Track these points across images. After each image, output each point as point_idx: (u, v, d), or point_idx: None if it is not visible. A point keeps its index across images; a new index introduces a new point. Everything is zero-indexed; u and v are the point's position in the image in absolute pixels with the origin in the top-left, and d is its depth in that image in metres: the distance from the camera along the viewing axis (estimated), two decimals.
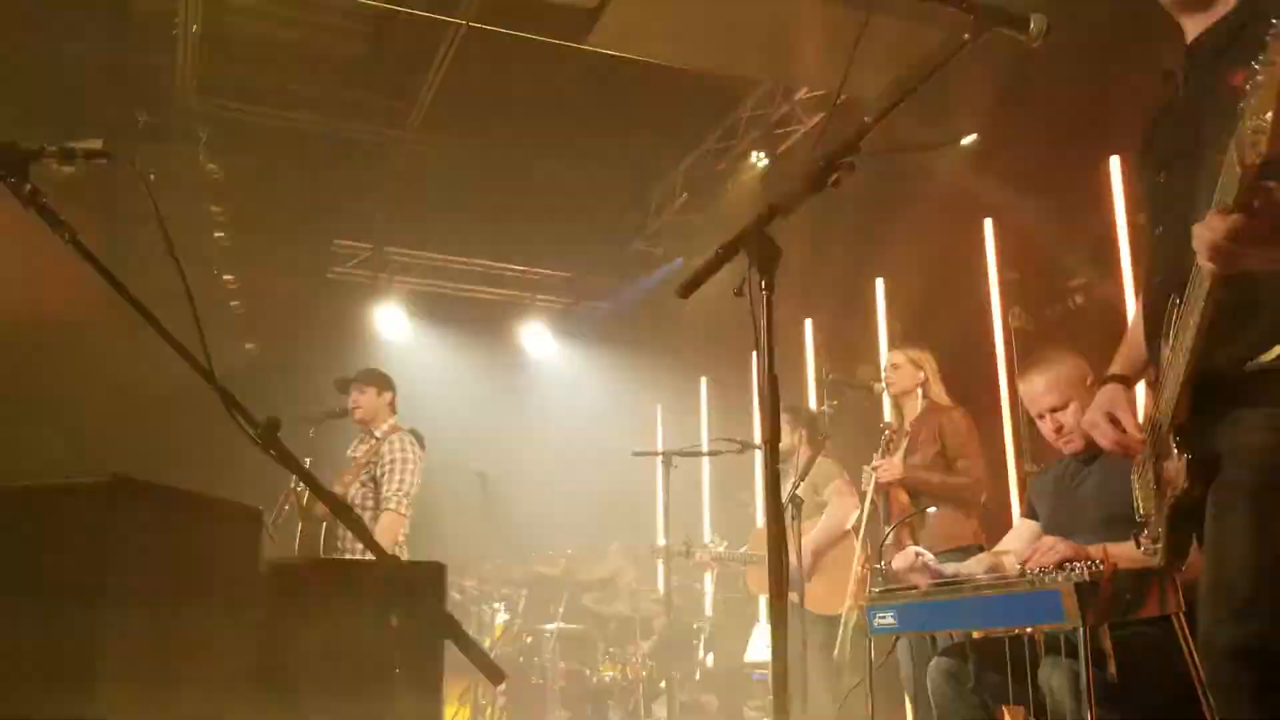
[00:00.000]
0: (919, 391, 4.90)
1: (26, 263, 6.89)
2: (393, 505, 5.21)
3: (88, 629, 1.67)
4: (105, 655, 1.67)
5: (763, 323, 1.96)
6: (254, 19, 7.18)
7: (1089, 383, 3.38)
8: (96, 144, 2.03)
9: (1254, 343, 1.92)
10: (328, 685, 2.01)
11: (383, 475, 5.30)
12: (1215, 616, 1.93)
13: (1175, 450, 2.01)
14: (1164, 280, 2.08)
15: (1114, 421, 2.24)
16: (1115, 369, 2.38)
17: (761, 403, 2.00)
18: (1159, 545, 2.18)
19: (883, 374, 5.19)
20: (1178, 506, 2.05)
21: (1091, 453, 3.36)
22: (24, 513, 1.78)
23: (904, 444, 4.85)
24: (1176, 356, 1.97)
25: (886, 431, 4.90)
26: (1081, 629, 2.69)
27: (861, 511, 4.84)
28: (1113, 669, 2.79)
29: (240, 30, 7.28)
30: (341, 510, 1.90)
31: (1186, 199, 1.97)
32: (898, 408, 5.04)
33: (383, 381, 5.62)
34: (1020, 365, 4.28)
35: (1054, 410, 3.41)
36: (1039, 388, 3.45)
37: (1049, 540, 3.14)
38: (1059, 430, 3.42)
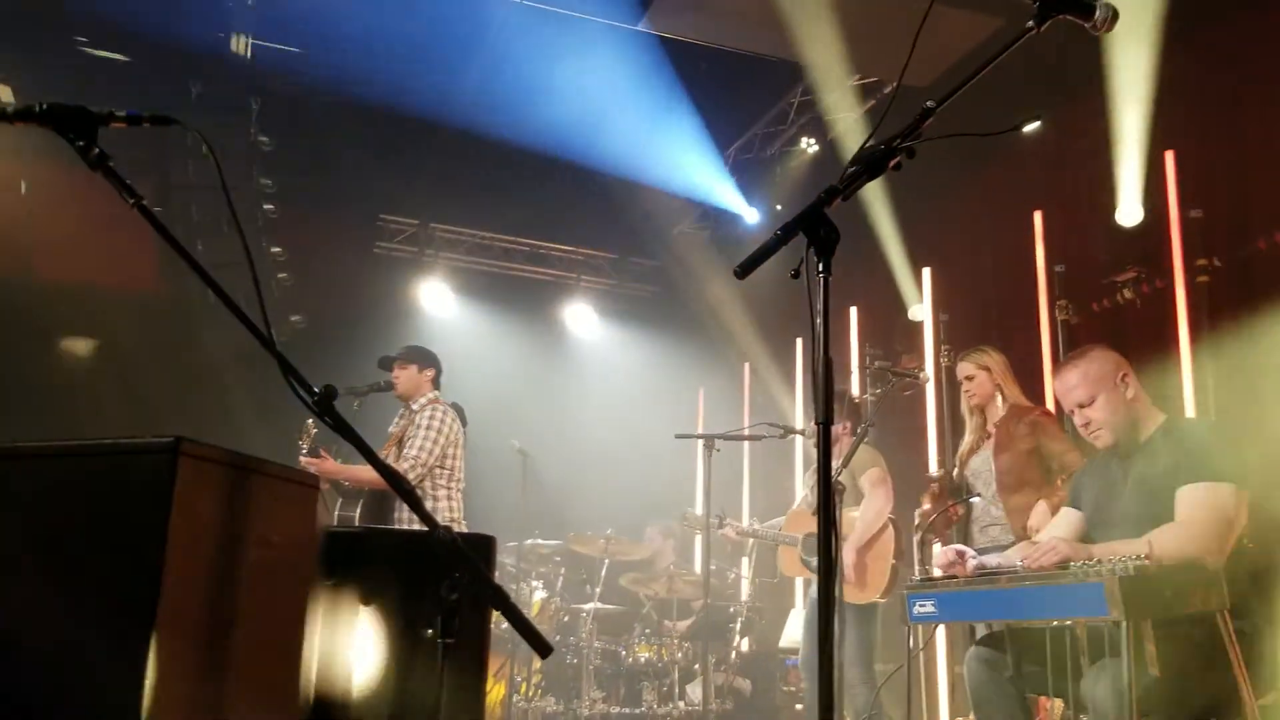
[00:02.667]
0: (998, 396, 4.87)
1: (84, 229, 7.08)
2: (404, 466, 5.25)
3: (147, 590, 1.71)
4: (163, 615, 1.70)
5: (819, 306, 1.96)
6: None
7: (1121, 378, 3.35)
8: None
9: None
10: (378, 652, 2.05)
11: (408, 441, 5.38)
12: None
13: None
14: None
15: None
16: None
17: (815, 385, 2.00)
18: None
19: (930, 365, 5.16)
20: None
21: (1129, 447, 3.34)
22: (89, 471, 1.82)
23: (988, 448, 4.83)
24: None
25: (930, 485, 4.89)
26: (1125, 623, 2.67)
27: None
28: (1155, 666, 2.77)
29: (294, 5, 7.34)
30: (395, 480, 1.93)
31: None
32: (979, 414, 4.98)
33: (424, 358, 5.69)
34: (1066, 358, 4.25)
35: (1082, 406, 3.39)
36: (1070, 382, 3.43)
37: (1050, 540, 3.14)
38: (1086, 425, 3.40)
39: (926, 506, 4.80)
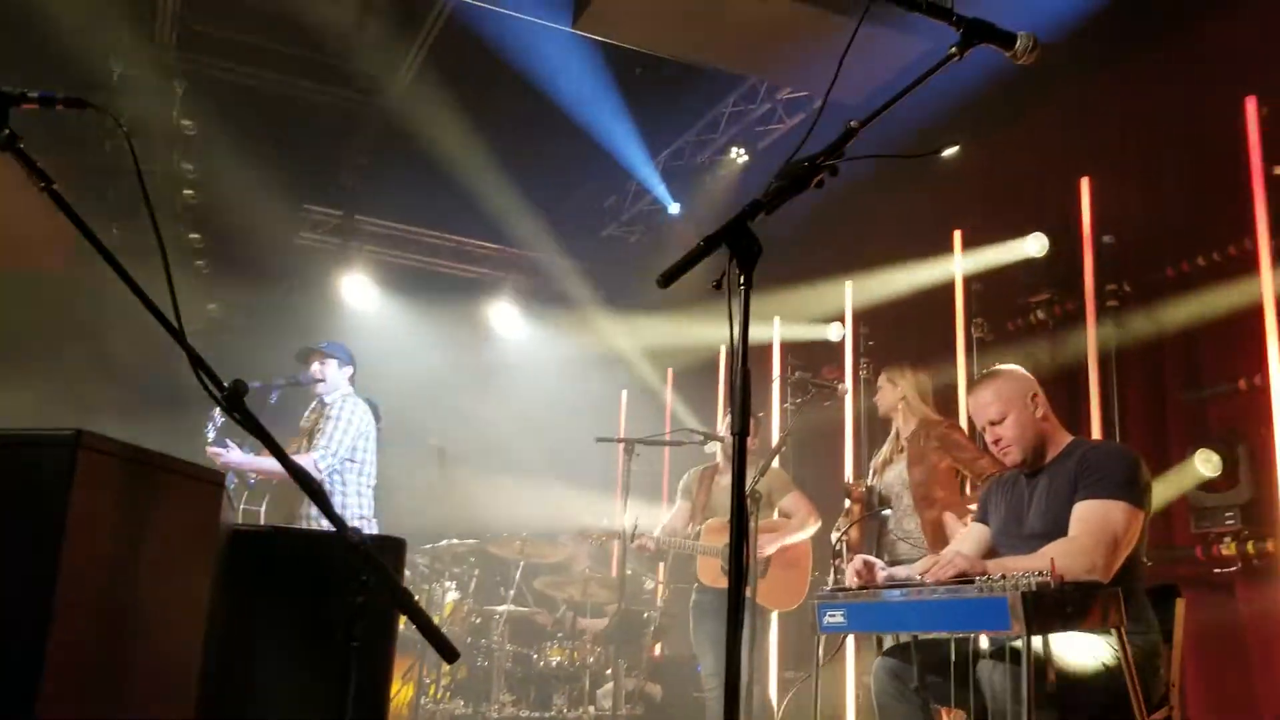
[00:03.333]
0: (902, 409, 4.98)
1: None
2: (314, 456, 5.15)
3: (43, 585, 1.65)
4: (59, 610, 1.66)
5: (739, 317, 1.98)
6: None
7: (1031, 397, 3.44)
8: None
9: None
10: (281, 653, 2.01)
11: (318, 433, 5.28)
12: None
13: None
14: None
15: None
16: None
17: (732, 397, 2.02)
18: None
19: (849, 376, 5.25)
20: None
21: (1036, 465, 3.43)
22: None
23: (901, 461, 4.93)
24: None
25: (851, 493, 4.97)
26: (1025, 637, 2.74)
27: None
28: (1052, 677, 2.85)
29: None
30: (303, 479, 1.90)
31: None
32: (892, 426, 5.11)
33: (345, 355, 5.61)
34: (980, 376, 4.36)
35: (993, 423, 3.47)
36: (983, 399, 3.52)
37: (948, 555, 3.21)
38: (997, 442, 3.49)
39: (845, 518, 4.88)
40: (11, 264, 7.53)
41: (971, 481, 4.80)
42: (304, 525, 5.12)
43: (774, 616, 5.43)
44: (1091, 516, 3.13)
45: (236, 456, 5.12)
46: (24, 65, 6.21)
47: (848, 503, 4.95)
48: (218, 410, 4.94)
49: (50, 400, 7.09)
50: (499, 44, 7.15)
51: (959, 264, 6.19)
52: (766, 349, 7.78)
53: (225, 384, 1.83)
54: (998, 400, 3.48)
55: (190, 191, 7.44)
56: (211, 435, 5.15)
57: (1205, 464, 4.57)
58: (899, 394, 5.00)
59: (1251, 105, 4.50)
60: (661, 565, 7.73)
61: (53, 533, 1.67)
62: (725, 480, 5.62)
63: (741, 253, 2.02)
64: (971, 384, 3.80)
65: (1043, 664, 2.83)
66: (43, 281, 7.66)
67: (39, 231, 7.09)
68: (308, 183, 9.13)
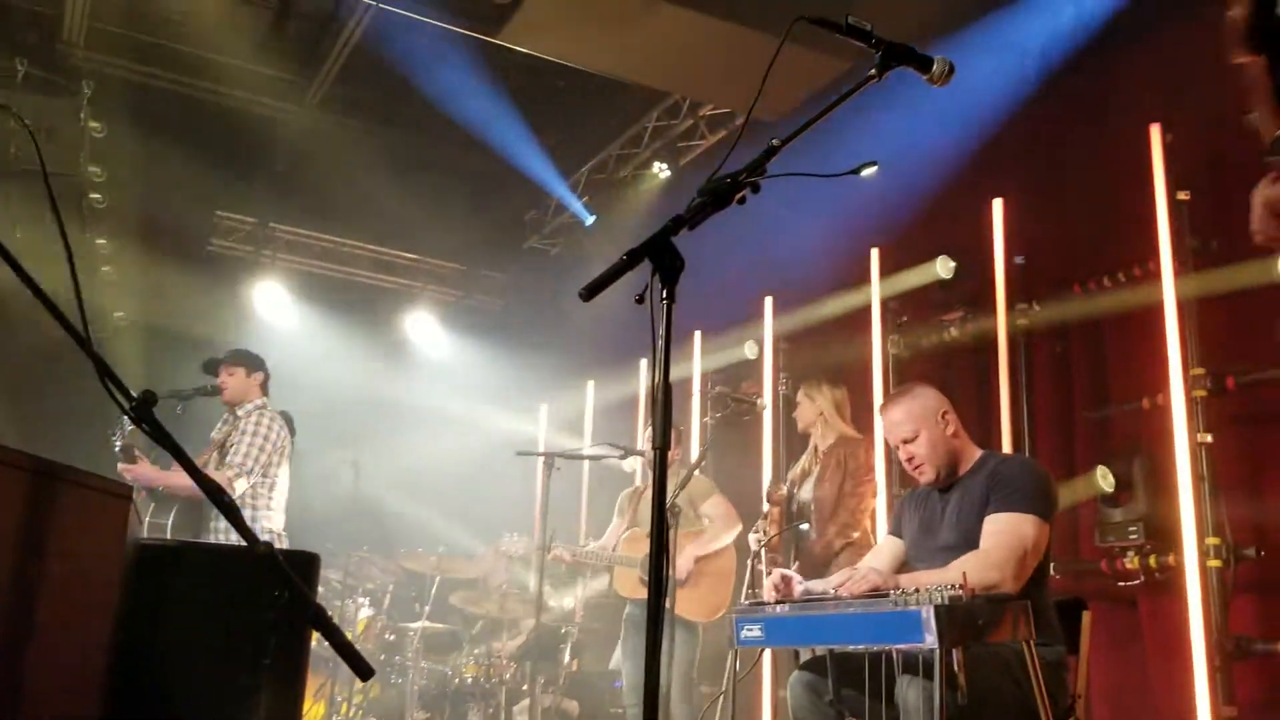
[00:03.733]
0: (820, 424, 5.06)
1: None
2: (229, 474, 5.05)
3: None
4: None
5: (661, 331, 1.98)
6: None
7: (942, 415, 3.52)
8: None
9: None
10: (191, 671, 1.94)
11: (230, 447, 5.18)
12: None
13: None
14: None
15: None
16: None
17: (654, 411, 2.02)
18: None
19: (768, 391, 5.32)
20: None
21: (949, 481, 3.51)
22: None
23: (814, 475, 5.01)
24: None
25: (771, 497, 5.04)
26: (938, 650, 2.79)
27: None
28: (963, 688, 2.90)
29: None
30: (215, 494, 1.84)
31: None
32: (811, 439, 5.18)
33: (253, 362, 5.49)
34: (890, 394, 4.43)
35: (906, 441, 3.54)
36: (895, 418, 3.59)
37: (861, 569, 3.27)
38: (910, 460, 3.56)
39: (765, 530, 4.92)
40: None
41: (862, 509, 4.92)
42: (212, 539, 5.00)
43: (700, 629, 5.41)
44: (1002, 529, 3.21)
45: (147, 471, 4.98)
46: None
47: (766, 505, 5.01)
48: (125, 420, 4.80)
49: None
50: (421, 53, 7.10)
51: (875, 282, 6.29)
52: (687, 364, 7.81)
53: (134, 394, 1.77)
54: (909, 419, 3.55)
55: (98, 195, 7.22)
56: (119, 445, 4.99)
57: (1104, 479, 4.71)
58: (817, 409, 5.09)
59: (1156, 132, 4.66)
60: (580, 580, 7.70)
61: None
62: (651, 495, 5.63)
63: (664, 267, 2.03)
64: (881, 404, 3.87)
65: (955, 677, 2.88)
66: None
67: None
68: (221, 189, 8.93)
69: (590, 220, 8.95)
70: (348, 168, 8.35)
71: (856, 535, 4.92)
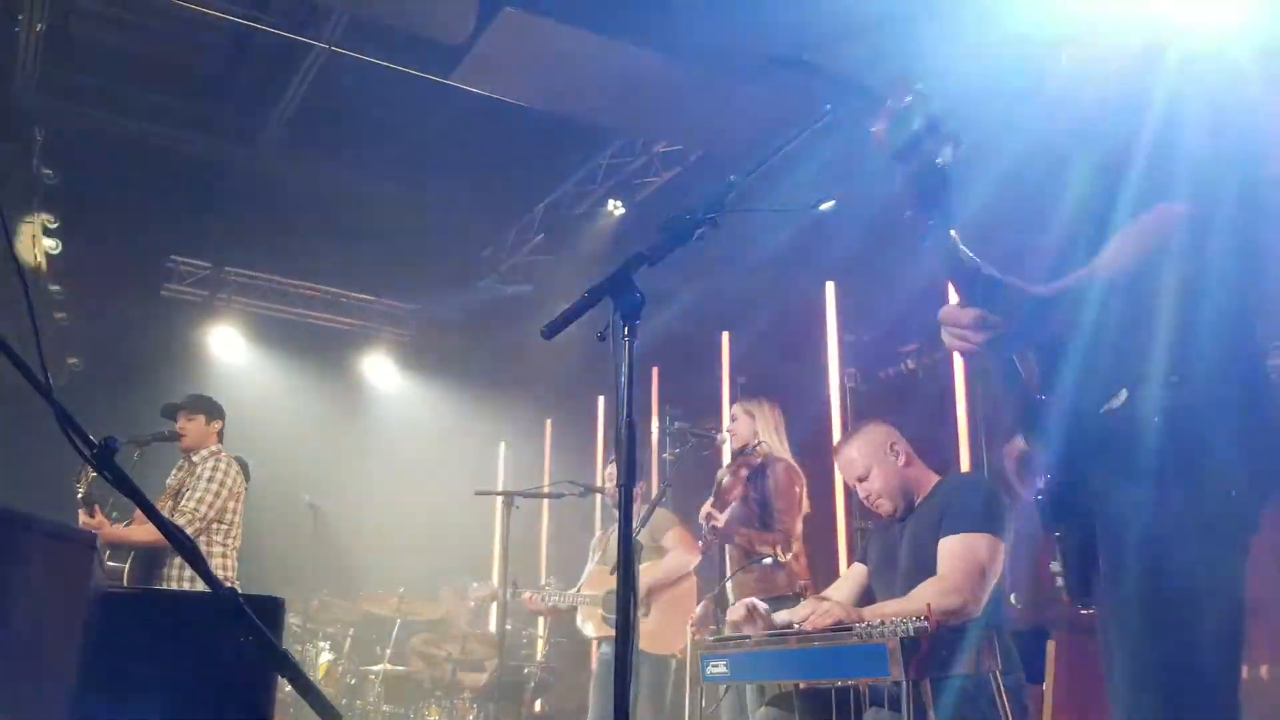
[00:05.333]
0: (755, 441, 5.00)
1: None
2: (181, 521, 5.01)
3: None
4: None
5: (624, 368, 2.00)
6: (104, 25, 6.90)
7: (890, 446, 3.57)
8: None
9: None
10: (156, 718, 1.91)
11: (186, 492, 5.17)
12: None
13: None
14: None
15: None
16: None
17: (618, 447, 2.03)
18: None
19: (725, 425, 5.30)
20: None
21: (907, 512, 3.55)
22: None
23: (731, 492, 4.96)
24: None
25: (721, 481, 4.97)
26: (905, 682, 2.80)
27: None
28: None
29: (88, 34, 6.98)
30: (180, 541, 1.82)
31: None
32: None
33: (212, 409, 5.49)
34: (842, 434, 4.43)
35: (861, 480, 3.59)
36: (848, 457, 3.64)
37: (825, 604, 3.29)
38: (868, 498, 3.61)
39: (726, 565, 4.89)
40: None
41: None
42: (167, 585, 4.95)
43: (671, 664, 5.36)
44: (956, 553, 3.24)
45: (107, 530, 4.91)
46: None
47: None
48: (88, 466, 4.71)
49: None
50: (373, 94, 7.11)
51: (831, 315, 6.37)
52: (644, 399, 7.83)
53: (94, 440, 1.75)
54: (861, 457, 3.60)
55: (52, 242, 7.13)
56: (80, 494, 4.93)
57: None
58: (754, 427, 5.03)
59: None
60: (541, 620, 7.64)
61: None
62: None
63: (625, 304, 2.05)
64: (835, 445, 3.91)
65: (923, 710, 2.90)
66: None
67: None
68: (174, 233, 8.86)
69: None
70: (302, 209, 8.32)
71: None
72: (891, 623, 2.86)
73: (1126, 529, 1.92)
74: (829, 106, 2.25)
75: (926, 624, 2.78)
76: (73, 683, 1.90)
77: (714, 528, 4.65)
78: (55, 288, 7.43)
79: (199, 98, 7.61)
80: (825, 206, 2.56)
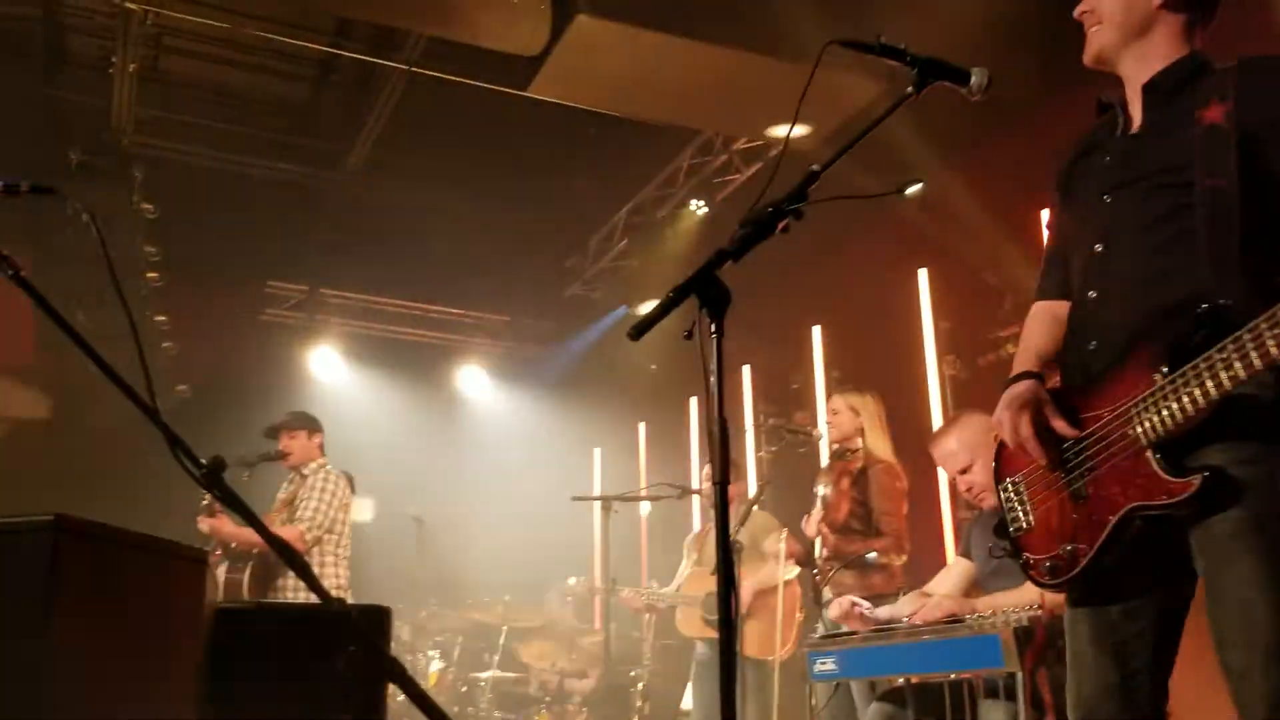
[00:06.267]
0: (859, 439, 4.92)
1: None
2: (299, 529, 5.22)
3: (31, 673, 1.61)
4: (49, 700, 1.61)
5: (712, 366, 1.98)
6: (193, 60, 7.14)
7: (995, 438, 3.47)
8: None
9: None
10: None
11: (300, 504, 5.35)
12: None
13: (1159, 468, 1.93)
14: (1105, 295, 2.13)
15: (1009, 419, 2.16)
16: (1027, 366, 2.27)
17: (711, 446, 2.01)
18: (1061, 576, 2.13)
19: (820, 422, 5.24)
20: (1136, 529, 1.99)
21: None
22: None
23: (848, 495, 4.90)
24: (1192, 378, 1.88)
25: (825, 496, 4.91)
26: (1020, 673, 2.73)
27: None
28: (1051, 716, 2.83)
29: (178, 71, 7.24)
30: (287, 552, 1.87)
31: (1139, 219, 2.10)
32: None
33: (311, 423, 5.68)
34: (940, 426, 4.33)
35: (963, 471, 3.51)
36: (948, 448, 3.56)
37: (935, 598, 3.22)
38: (969, 490, 3.52)
39: (823, 555, 4.84)
40: None
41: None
42: (282, 597, 5.13)
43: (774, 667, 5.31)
44: None
45: (228, 528, 5.14)
46: None
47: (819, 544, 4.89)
48: None
49: (33, 486, 7.03)
50: (453, 111, 7.22)
51: (926, 302, 6.25)
52: (737, 397, 7.79)
53: (203, 462, 1.81)
54: (963, 448, 3.52)
55: (155, 274, 7.42)
56: (205, 501, 5.15)
57: None
58: (858, 423, 4.94)
59: None
60: (645, 623, 7.65)
61: (38, 619, 1.64)
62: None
63: (711, 301, 2.03)
64: (933, 437, 3.82)
65: (1041, 702, 2.82)
66: (16, 373, 7.63)
67: (5, 322, 7.10)
68: (271, 259, 9.14)
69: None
70: (391, 228, 8.50)
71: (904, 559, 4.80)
72: (1003, 613, 2.80)
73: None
74: (910, 89, 2.19)
75: (1040, 612, 2.71)
76: (194, 692, 1.96)
77: (827, 546, 4.63)
78: (161, 318, 7.71)
79: (287, 126, 7.83)
80: (912, 190, 2.50)
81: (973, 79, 2.17)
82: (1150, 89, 2.19)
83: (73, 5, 6.60)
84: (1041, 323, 2.35)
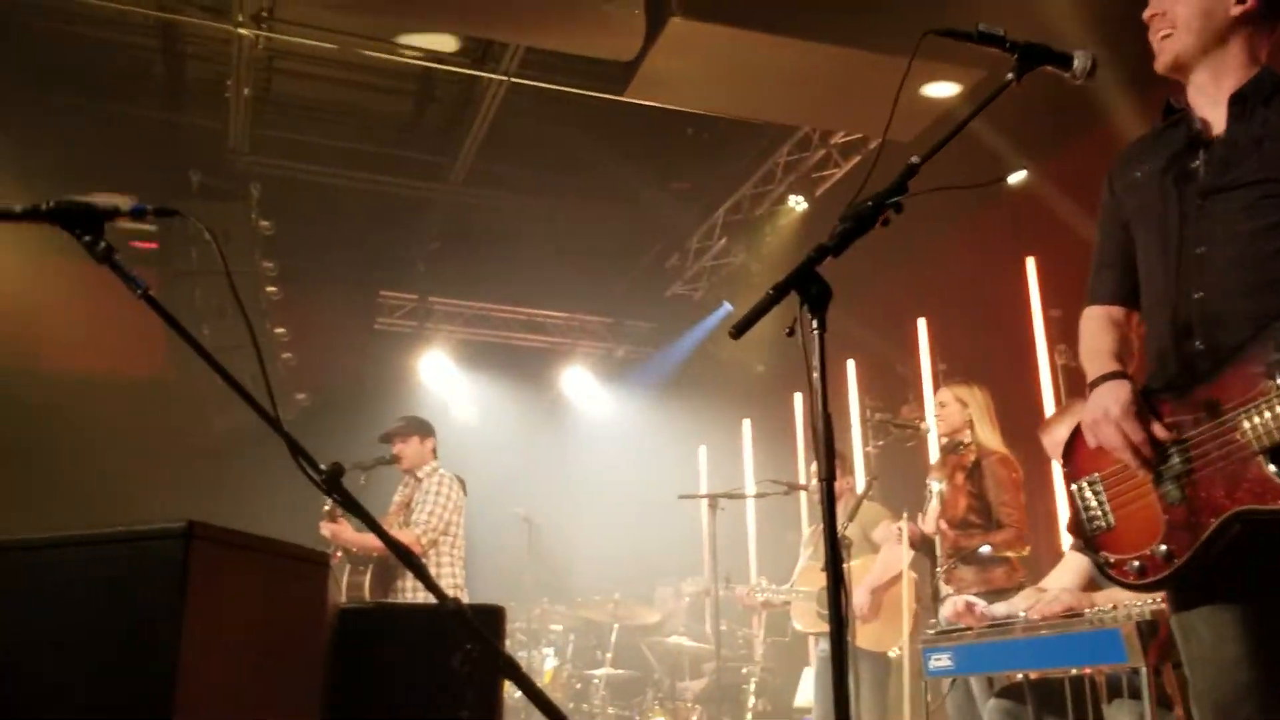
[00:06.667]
0: (968, 431, 4.82)
1: (89, 319, 7.19)
2: (416, 532, 5.35)
3: (165, 675, 1.70)
4: (183, 706, 1.69)
5: (815, 362, 1.97)
6: (302, 81, 7.40)
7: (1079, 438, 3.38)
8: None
9: None
10: None
11: (416, 507, 5.50)
12: None
13: (1272, 472, 1.90)
14: (1212, 297, 2.10)
15: (1118, 422, 2.12)
16: (1113, 367, 2.25)
17: (815, 441, 2.01)
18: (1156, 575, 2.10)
19: (928, 415, 5.16)
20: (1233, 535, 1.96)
21: None
22: (103, 559, 1.82)
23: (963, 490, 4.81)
24: None
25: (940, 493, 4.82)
26: (1144, 668, 2.66)
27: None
28: (1179, 711, 2.75)
29: (289, 92, 7.51)
30: (404, 555, 1.93)
31: (1248, 225, 2.08)
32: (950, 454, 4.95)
33: (423, 428, 5.82)
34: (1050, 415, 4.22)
35: None
36: (1060, 438, 3.47)
37: (1051, 592, 3.14)
38: None
39: (941, 558, 4.76)
40: (110, 370, 7.90)
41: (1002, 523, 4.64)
42: (401, 598, 5.30)
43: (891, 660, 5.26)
44: None
45: (349, 533, 5.33)
46: (106, 182, 6.53)
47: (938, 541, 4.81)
48: None
49: (157, 487, 7.39)
50: (552, 118, 7.33)
51: (1034, 290, 6.11)
52: (842, 392, 7.72)
53: (323, 467, 1.89)
54: None
55: (273, 288, 7.71)
56: (327, 509, 5.35)
57: None
58: (966, 415, 4.86)
59: None
60: (756, 618, 7.64)
61: (172, 624, 1.72)
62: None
63: (812, 297, 2.03)
64: (1043, 424, 3.73)
65: (1168, 699, 2.74)
66: (136, 386, 8.01)
67: (131, 339, 7.47)
68: (381, 270, 9.42)
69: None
70: (495, 235, 8.68)
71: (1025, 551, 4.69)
72: (1125, 606, 2.73)
73: None
74: (1011, 75, 2.16)
75: (1164, 605, 2.63)
76: (319, 691, 2.04)
77: (946, 542, 4.55)
78: (280, 330, 7.99)
79: (393, 140, 8.05)
80: (1016, 178, 2.45)
81: (1076, 63, 2.13)
82: (1238, 99, 2.18)
83: (189, 34, 6.90)
84: (1102, 326, 2.36)
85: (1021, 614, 3.22)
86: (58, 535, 1.86)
